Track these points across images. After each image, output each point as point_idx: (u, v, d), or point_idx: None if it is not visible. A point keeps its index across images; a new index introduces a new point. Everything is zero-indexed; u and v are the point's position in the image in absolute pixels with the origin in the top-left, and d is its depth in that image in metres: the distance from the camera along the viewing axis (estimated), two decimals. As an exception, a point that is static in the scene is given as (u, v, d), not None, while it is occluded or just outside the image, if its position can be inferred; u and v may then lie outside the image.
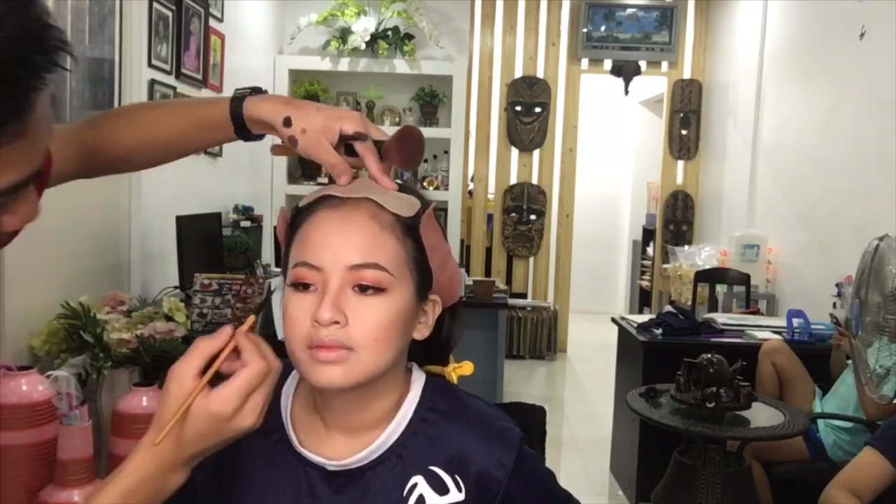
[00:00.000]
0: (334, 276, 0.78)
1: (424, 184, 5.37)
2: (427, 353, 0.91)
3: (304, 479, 0.84)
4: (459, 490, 0.84)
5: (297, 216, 0.84)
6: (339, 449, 0.84)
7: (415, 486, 0.83)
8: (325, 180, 5.27)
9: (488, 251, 6.25)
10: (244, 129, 0.93)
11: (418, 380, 0.88)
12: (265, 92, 0.94)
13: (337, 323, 0.77)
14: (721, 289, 4.76)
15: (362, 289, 0.79)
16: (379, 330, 0.79)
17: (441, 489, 0.83)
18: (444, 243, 0.87)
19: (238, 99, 0.93)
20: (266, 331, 2.77)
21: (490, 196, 6.24)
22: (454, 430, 0.85)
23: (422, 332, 0.86)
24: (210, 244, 3.54)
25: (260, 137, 0.95)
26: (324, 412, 0.86)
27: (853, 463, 1.89)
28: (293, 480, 0.84)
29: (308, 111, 0.88)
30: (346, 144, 0.88)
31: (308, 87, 5.32)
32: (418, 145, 0.91)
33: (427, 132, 5.38)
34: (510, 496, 0.85)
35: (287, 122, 0.88)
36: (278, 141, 0.92)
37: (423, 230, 0.83)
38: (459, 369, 0.93)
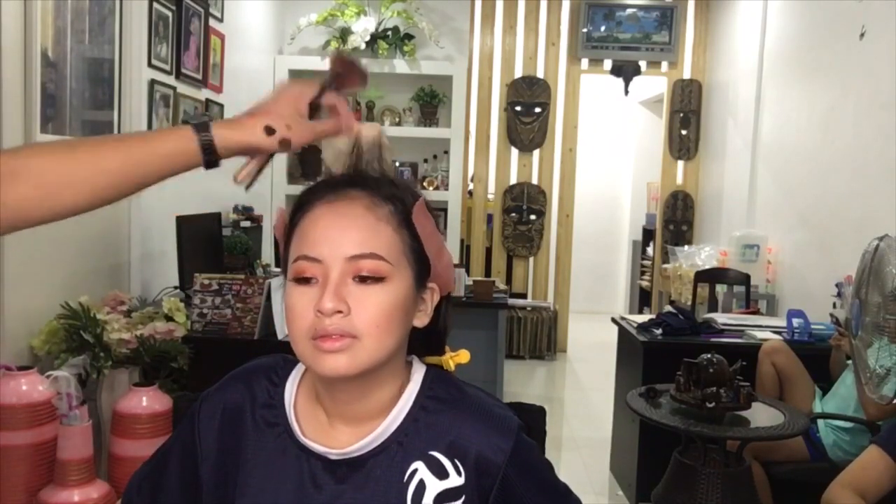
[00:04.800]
0: (334, 267, 0.81)
1: (424, 184, 5.37)
2: (425, 343, 0.93)
3: (307, 469, 0.86)
4: (459, 474, 0.85)
5: (294, 215, 0.86)
6: (342, 438, 0.86)
7: (415, 471, 0.85)
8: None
9: (488, 251, 6.25)
10: (214, 158, 0.89)
11: (418, 370, 0.91)
12: (210, 119, 0.97)
13: (340, 312, 0.79)
14: (721, 289, 4.76)
15: (362, 278, 0.81)
16: (381, 317, 0.81)
17: (441, 473, 0.85)
18: (437, 233, 0.89)
19: (202, 128, 0.88)
20: (266, 331, 2.77)
21: (490, 196, 6.24)
22: (453, 417, 0.87)
23: (421, 320, 0.88)
24: (210, 244, 3.54)
25: (220, 164, 0.91)
26: (326, 403, 0.88)
27: (858, 462, 1.88)
28: (296, 470, 0.86)
29: (275, 109, 0.91)
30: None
31: (308, 87, 5.32)
32: (356, 62, 0.98)
33: (427, 132, 5.42)
34: (508, 481, 0.87)
35: (270, 131, 0.89)
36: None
37: (416, 220, 0.85)
38: (456, 357, 0.96)
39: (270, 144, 0.90)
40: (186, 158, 0.88)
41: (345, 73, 0.95)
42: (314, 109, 0.94)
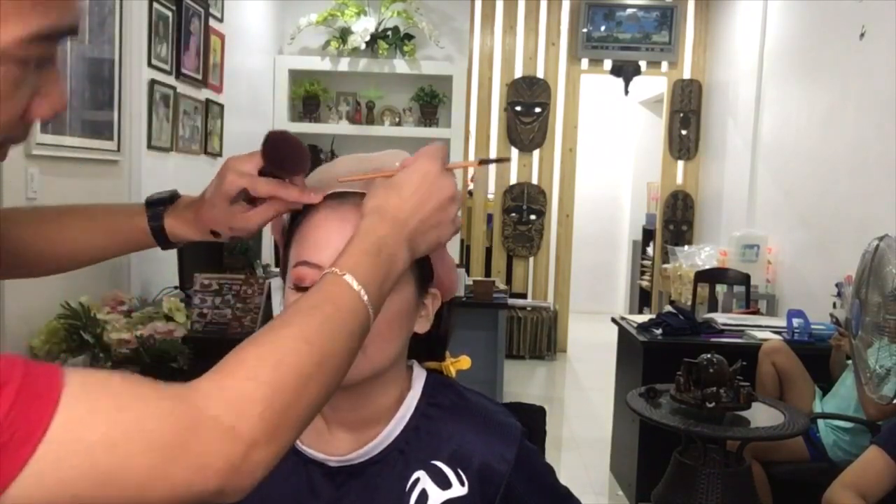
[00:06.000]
0: None
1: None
2: (425, 348, 0.92)
3: (306, 477, 0.84)
4: (462, 484, 0.84)
5: (295, 217, 0.85)
6: (341, 446, 0.85)
7: (417, 480, 0.84)
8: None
9: (488, 251, 6.25)
10: (169, 243, 0.95)
11: (419, 377, 0.89)
12: (177, 195, 0.94)
13: None
14: (721, 289, 4.76)
15: None
16: (382, 326, 0.79)
17: (444, 483, 0.84)
18: None
19: (155, 218, 0.92)
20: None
21: (490, 196, 6.23)
22: (456, 425, 0.86)
23: (423, 326, 0.87)
24: (210, 244, 3.54)
25: (181, 245, 0.97)
26: (325, 409, 0.85)
27: (859, 462, 1.88)
28: (294, 478, 0.85)
29: (210, 214, 0.88)
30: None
31: (308, 88, 5.32)
32: (284, 152, 0.85)
33: (427, 132, 5.43)
34: (512, 489, 0.86)
35: (216, 234, 0.90)
36: None
37: None
38: (457, 363, 0.94)
39: (223, 240, 0.92)
40: (142, 241, 0.94)
41: (276, 157, 0.85)
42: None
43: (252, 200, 0.87)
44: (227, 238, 0.90)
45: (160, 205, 0.92)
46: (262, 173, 0.85)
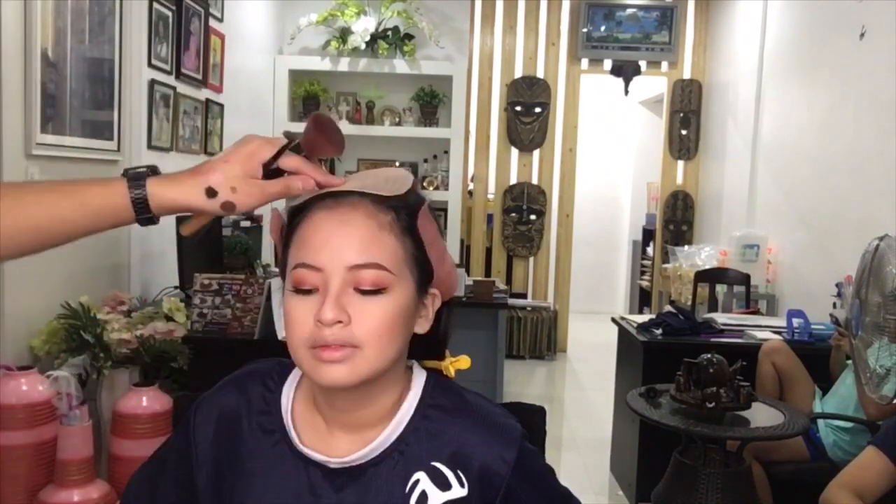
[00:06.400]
0: (335, 276, 0.79)
1: (424, 184, 5.37)
2: (425, 348, 0.92)
3: (306, 478, 0.84)
4: (462, 485, 0.84)
5: (294, 217, 0.84)
6: (341, 447, 0.85)
7: (417, 482, 0.84)
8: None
9: (488, 251, 6.25)
10: (148, 215, 0.82)
11: (419, 377, 0.89)
12: (157, 170, 0.83)
13: (340, 322, 0.78)
14: (721, 289, 4.76)
15: (364, 290, 0.79)
16: (382, 327, 0.79)
17: (443, 485, 0.84)
18: (440, 238, 0.88)
19: (136, 181, 0.80)
20: (266, 331, 2.77)
21: (490, 196, 6.24)
22: (456, 427, 0.86)
23: (423, 326, 0.87)
24: (210, 244, 3.54)
25: (157, 221, 0.84)
26: (325, 410, 0.86)
27: (856, 463, 1.88)
28: (294, 479, 0.85)
29: (220, 167, 0.81)
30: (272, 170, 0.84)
31: (308, 87, 5.32)
32: (334, 126, 0.87)
33: (427, 132, 5.42)
34: (512, 491, 0.86)
35: (211, 193, 0.80)
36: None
37: (420, 225, 0.83)
38: (456, 363, 0.94)
39: (211, 207, 0.81)
40: (117, 214, 0.82)
41: (317, 137, 0.85)
42: (276, 171, 0.83)
43: (266, 177, 0.82)
44: (218, 205, 0.81)
45: (142, 175, 0.82)
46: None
